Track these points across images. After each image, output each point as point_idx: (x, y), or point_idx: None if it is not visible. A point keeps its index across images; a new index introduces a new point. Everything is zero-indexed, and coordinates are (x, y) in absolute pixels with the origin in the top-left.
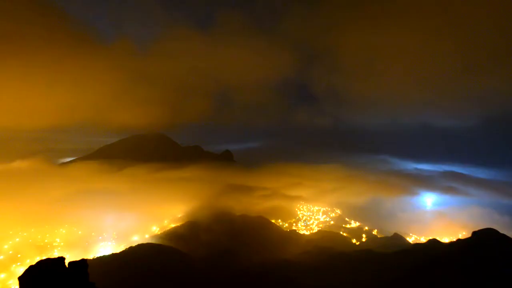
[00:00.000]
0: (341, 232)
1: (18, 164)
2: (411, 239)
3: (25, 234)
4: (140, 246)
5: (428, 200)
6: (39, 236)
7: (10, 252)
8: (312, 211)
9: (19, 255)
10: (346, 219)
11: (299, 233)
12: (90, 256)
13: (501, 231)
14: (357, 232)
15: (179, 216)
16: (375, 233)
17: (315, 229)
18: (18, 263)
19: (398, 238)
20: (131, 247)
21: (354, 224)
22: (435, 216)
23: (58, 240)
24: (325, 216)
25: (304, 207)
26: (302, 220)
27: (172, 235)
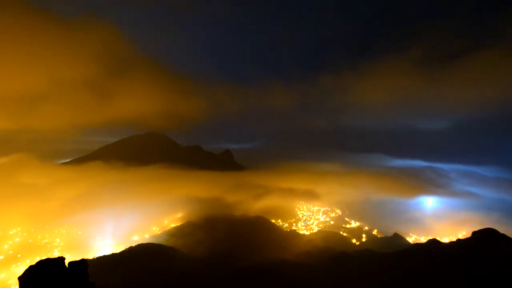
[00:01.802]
0: (341, 232)
1: (18, 163)
2: (411, 239)
3: (25, 234)
4: (140, 246)
5: (428, 200)
6: (39, 236)
7: (10, 252)
8: (312, 211)
9: (19, 255)
10: (346, 219)
11: (299, 233)
12: (90, 256)
13: (501, 231)
14: (357, 232)
15: (179, 216)
16: (375, 233)
17: (315, 229)
18: (18, 263)
19: (398, 238)
20: (131, 247)
21: (354, 224)
22: (435, 216)
23: (58, 240)
24: (325, 216)
25: (304, 207)
26: (302, 220)
27: (172, 235)
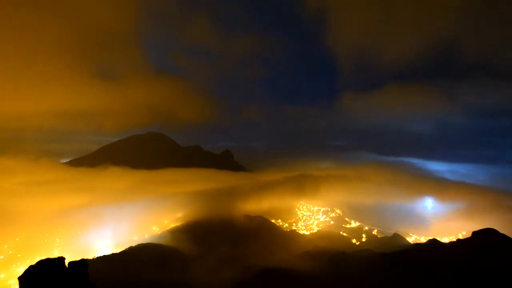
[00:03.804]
0: (341, 232)
1: (18, 163)
2: (411, 239)
3: (25, 234)
4: (140, 246)
5: (429, 200)
6: (39, 236)
7: (10, 252)
8: (312, 211)
9: (19, 255)
10: (346, 219)
11: (299, 233)
12: (90, 256)
13: (501, 231)
14: (357, 232)
15: (179, 216)
16: (375, 233)
17: (315, 229)
18: (18, 263)
19: (398, 238)
20: (131, 247)
21: (354, 224)
22: (435, 216)
23: (58, 240)
24: (325, 216)
25: (304, 207)
26: (302, 220)
27: (172, 235)
